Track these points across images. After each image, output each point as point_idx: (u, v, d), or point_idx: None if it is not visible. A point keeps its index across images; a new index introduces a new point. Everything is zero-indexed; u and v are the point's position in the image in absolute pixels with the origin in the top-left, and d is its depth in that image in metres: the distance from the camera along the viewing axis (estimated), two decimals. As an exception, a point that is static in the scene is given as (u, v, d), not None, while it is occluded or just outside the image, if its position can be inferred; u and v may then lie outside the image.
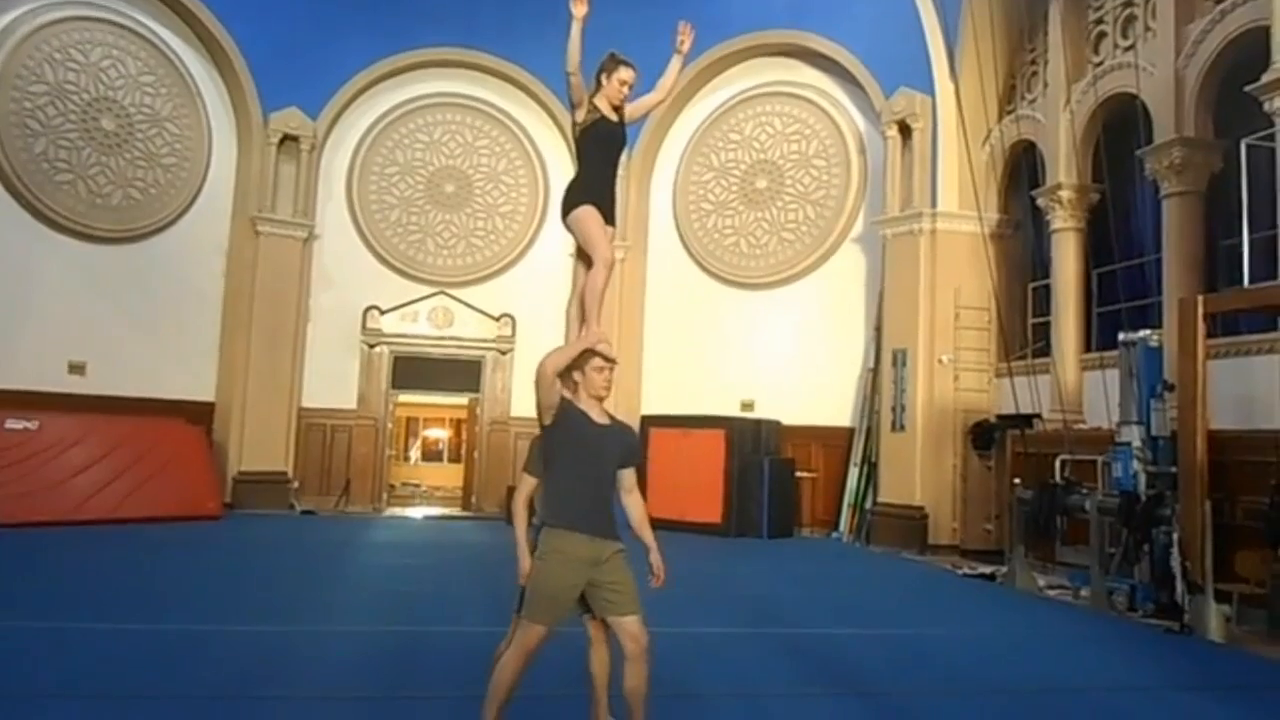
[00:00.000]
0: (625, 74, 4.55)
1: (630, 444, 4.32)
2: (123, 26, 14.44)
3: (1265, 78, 8.89)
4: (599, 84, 4.56)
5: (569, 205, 4.54)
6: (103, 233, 14.18)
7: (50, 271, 13.62)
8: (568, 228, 4.57)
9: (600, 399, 4.14)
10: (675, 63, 4.88)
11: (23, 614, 6.86)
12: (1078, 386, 11.98)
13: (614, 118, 4.59)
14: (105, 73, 14.30)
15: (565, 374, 4.12)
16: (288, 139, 15.81)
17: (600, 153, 4.61)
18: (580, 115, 4.54)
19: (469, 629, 6.75)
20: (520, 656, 3.95)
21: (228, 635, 6.57)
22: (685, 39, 4.82)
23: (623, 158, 17.73)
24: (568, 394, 4.10)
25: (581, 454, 4.05)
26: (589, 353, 4.15)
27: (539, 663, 4.01)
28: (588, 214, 4.45)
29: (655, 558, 4.14)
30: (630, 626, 3.97)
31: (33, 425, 12.37)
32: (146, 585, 8.46)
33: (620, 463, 4.19)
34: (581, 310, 4.44)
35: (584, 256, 4.56)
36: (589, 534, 3.98)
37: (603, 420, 4.15)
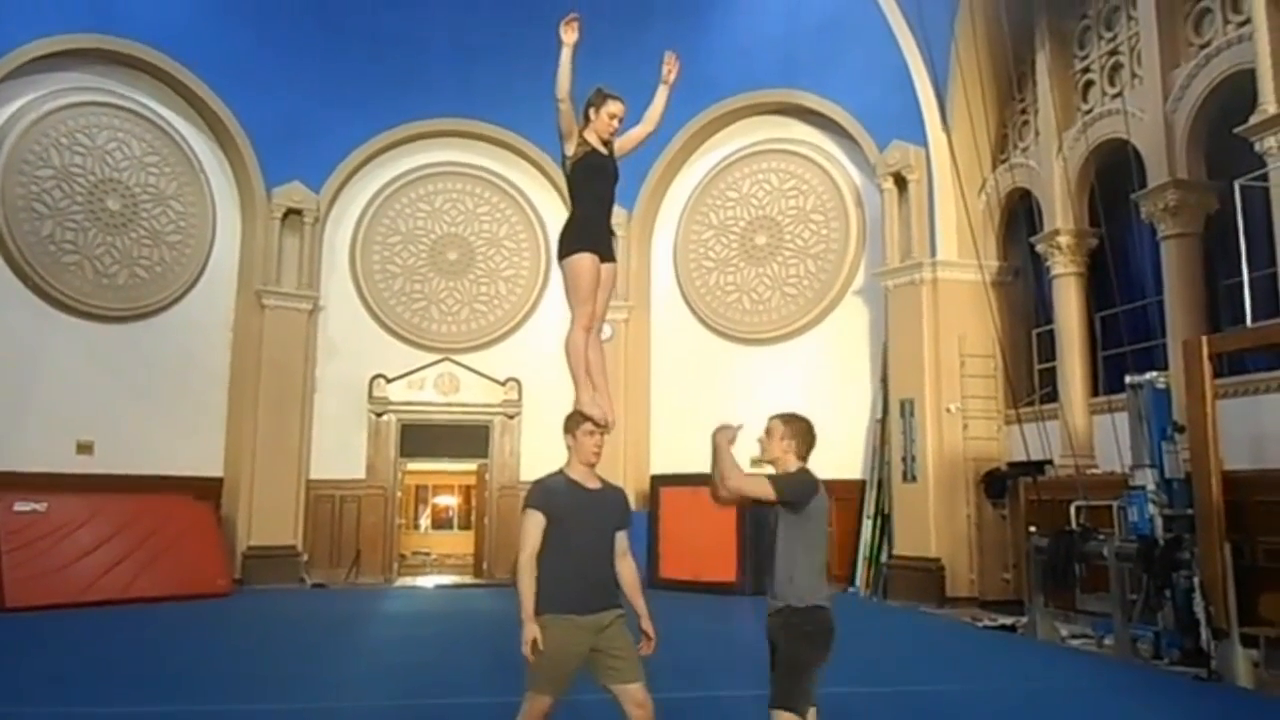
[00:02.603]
0: (614, 107, 4.53)
1: (622, 507, 4.26)
2: (127, 110, 14.72)
3: (1253, 119, 9.03)
4: (587, 119, 4.54)
5: (565, 249, 4.47)
6: (109, 312, 14.29)
7: (57, 352, 13.69)
8: (562, 269, 4.53)
9: (591, 465, 4.11)
10: (662, 93, 4.87)
11: (33, 699, 6.76)
12: (1087, 431, 11.91)
13: (604, 151, 4.56)
14: (110, 155, 14.55)
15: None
16: (291, 212, 16.00)
17: (593, 187, 4.55)
18: (570, 148, 4.53)
19: (480, 700, 6.64)
20: None
21: (237, 715, 6.47)
22: (671, 69, 4.83)
23: (623, 218, 17.77)
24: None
25: (574, 527, 4.00)
26: (580, 417, 4.14)
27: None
28: (582, 267, 4.38)
29: (647, 624, 4.08)
30: (635, 694, 3.91)
31: (41, 507, 12.31)
32: (155, 666, 8.35)
33: (615, 526, 4.15)
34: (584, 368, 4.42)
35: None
36: (590, 614, 3.95)
37: (594, 485, 4.12)
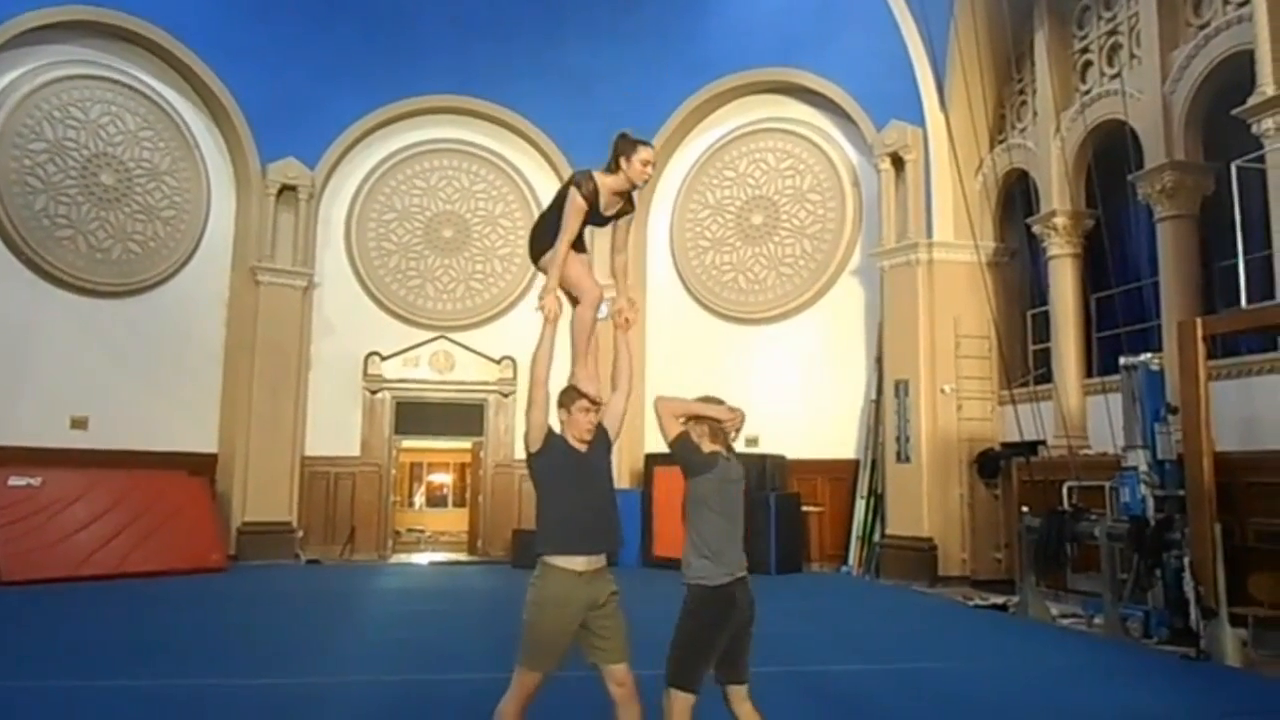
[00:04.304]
0: (646, 154, 4.30)
1: (605, 439, 4.21)
2: (121, 83, 14.62)
3: (1251, 100, 9.00)
4: (615, 166, 4.29)
5: (540, 249, 4.38)
6: (103, 287, 14.25)
7: (51, 327, 13.65)
8: (541, 270, 4.42)
9: (586, 442, 4.10)
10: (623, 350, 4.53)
11: (26, 673, 6.80)
12: (1081, 412, 11.95)
13: (607, 213, 4.36)
14: (104, 129, 14.45)
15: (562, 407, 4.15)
16: (286, 189, 15.94)
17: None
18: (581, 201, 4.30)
19: (474, 676, 6.67)
20: (519, 703, 3.92)
21: (231, 689, 6.49)
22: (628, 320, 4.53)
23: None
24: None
25: (573, 476, 4.05)
26: (576, 393, 4.13)
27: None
28: (564, 257, 4.29)
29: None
30: (618, 673, 3.94)
31: (36, 482, 12.33)
32: (150, 641, 8.38)
33: (608, 465, 4.21)
34: (572, 348, 4.39)
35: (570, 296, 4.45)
36: (588, 553, 3.96)
37: (583, 448, 4.12)
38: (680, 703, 3.85)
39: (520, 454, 16.20)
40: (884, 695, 6.53)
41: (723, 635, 3.93)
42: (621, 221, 4.52)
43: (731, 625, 3.96)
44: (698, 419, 4.15)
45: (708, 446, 4.14)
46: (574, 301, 4.44)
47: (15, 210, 13.40)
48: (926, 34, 13.42)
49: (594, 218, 4.37)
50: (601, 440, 4.18)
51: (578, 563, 3.94)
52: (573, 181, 4.31)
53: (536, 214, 17.16)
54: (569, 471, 4.05)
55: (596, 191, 4.28)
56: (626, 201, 4.45)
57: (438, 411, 16.81)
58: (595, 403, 4.14)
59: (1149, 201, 10.71)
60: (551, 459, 4.06)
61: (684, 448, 4.10)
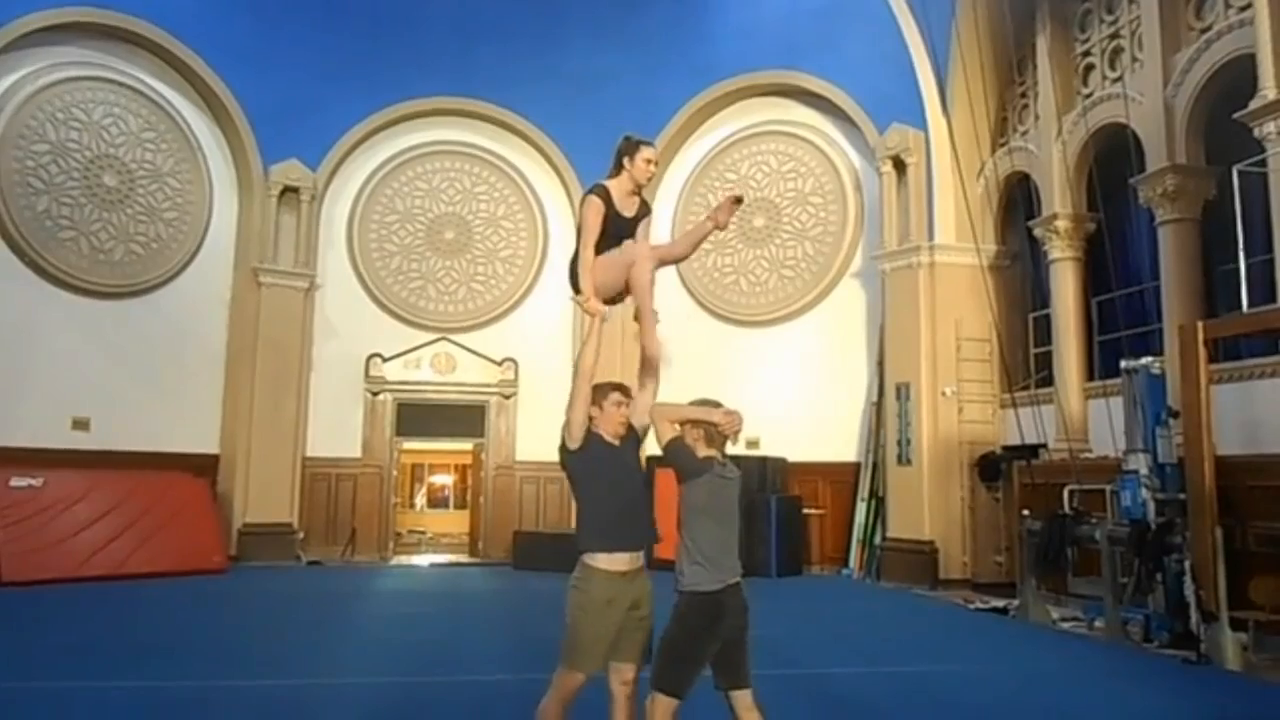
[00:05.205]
0: (649, 152, 4.41)
1: (637, 439, 4.23)
2: (124, 85, 14.63)
3: (1253, 104, 9.01)
4: (620, 168, 4.39)
5: (579, 278, 4.35)
6: (105, 288, 14.26)
7: (53, 328, 13.66)
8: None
9: (620, 437, 4.12)
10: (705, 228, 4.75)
11: (27, 674, 6.80)
12: (1082, 415, 11.95)
13: (626, 213, 4.39)
14: (107, 130, 14.47)
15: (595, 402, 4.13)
16: (288, 190, 15.95)
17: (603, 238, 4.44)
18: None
19: (477, 678, 6.69)
20: (561, 704, 3.92)
21: (232, 690, 6.50)
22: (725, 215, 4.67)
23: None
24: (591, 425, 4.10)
25: (612, 472, 4.06)
26: (609, 387, 4.13)
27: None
28: (604, 262, 4.31)
29: None
30: (626, 672, 3.95)
31: (37, 482, 12.34)
32: (150, 642, 8.39)
33: (640, 463, 4.20)
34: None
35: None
36: (631, 550, 3.99)
37: (618, 442, 4.14)
38: (663, 706, 3.83)
39: (522, 455, 16.49)
40: (884, 698, 6.53)
41: (712, 642, 3.90)
42: (640, 226, 4.53)
43: (722, 631, 3.91)
44: (694, 423, 4.11)
45: (702, 451, 4.08)
46: (615, 301, 4.42)
47: (18, 211, 13.41)
48: (928, 37, 13.43)
49: (618, 224, 4.38)
50: (631, 436, 4.19)
51: (621, 561, 3.97)
52: (586, 194, 4.37)
53: (539, 215, 17.45)
54: (608, 468, 4.07)
55: (609, 190, 4.33)
56: (642, 204, 4.49)
57: (439, 413, 16.81)
58: (629, 397, 4.16)
59: (1150, 205, 10.71)
60: (591, 455, 4.06)
61: (677, 452, 4.04)
